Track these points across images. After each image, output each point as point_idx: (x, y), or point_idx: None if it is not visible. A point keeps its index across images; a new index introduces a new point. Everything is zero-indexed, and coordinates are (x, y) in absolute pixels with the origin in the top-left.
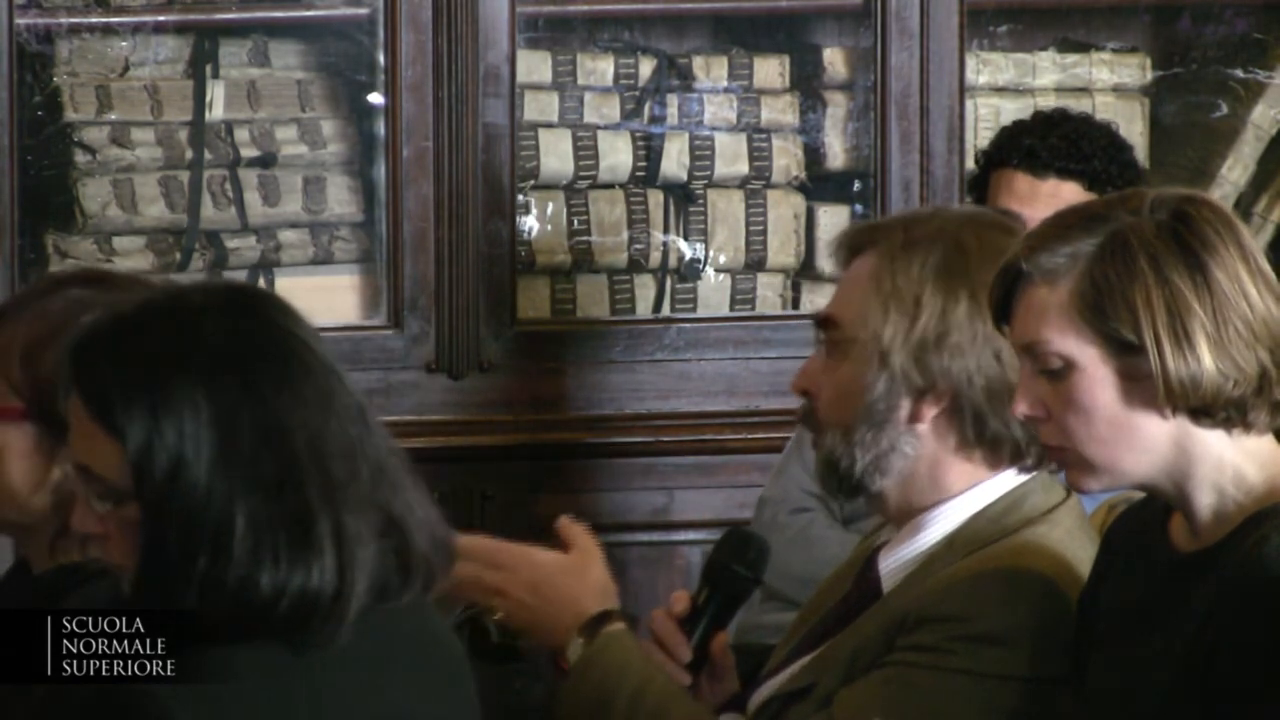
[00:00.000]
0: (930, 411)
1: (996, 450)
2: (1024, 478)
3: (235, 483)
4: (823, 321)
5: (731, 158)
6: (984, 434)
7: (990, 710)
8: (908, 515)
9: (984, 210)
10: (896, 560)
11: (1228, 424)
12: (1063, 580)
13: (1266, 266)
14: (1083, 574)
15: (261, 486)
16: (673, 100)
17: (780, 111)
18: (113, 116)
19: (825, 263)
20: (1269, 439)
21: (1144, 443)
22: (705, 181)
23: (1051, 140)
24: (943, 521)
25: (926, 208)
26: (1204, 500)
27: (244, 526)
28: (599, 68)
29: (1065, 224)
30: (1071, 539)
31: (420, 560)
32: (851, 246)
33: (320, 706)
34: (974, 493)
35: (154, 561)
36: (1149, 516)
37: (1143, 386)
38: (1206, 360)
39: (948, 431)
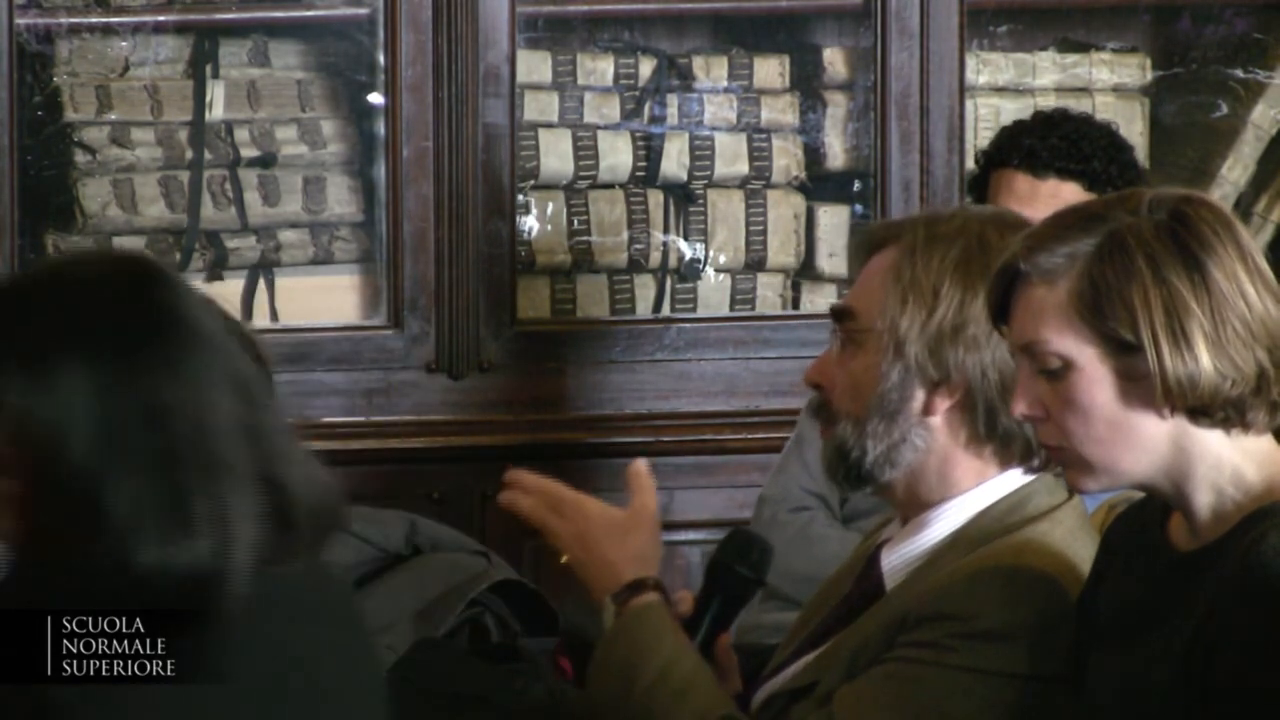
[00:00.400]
0: (943, 404)
1: (1008, 447)
2: (1030, 478)
3: (115, 461)
4: (839, 314)
5: (731, 158)
6: (995, 429)
7: (991, 707)
8: (913, 509)
9: (1007, 211)
10: (900, 558)
11: (1226, 424)
12: (1064, 579)
13: (1265, 266)
14: (1084, 573)
15: (142, 465)
16: (673, 100)
17: (780, 111)
18: (113, 116)
19: (825, 263)
20: (1268, 438)
21: (1142, 442)
22: (705, 181)
23: (1051, 140)
24: (947, 519)
25: (948, 208)
26: (1202, 500)
27: (124, 506)
28: (599, 68)
29: (1063, 224)
30: (1073, 538)
31: (307, 529)
32: (871, 244)
33: (221, 680)
34: (979, 491)
35: (33, 538)
36: (1148, 516)
37: (1141, 386)
38: (1204, 360)
39: (960, 425)
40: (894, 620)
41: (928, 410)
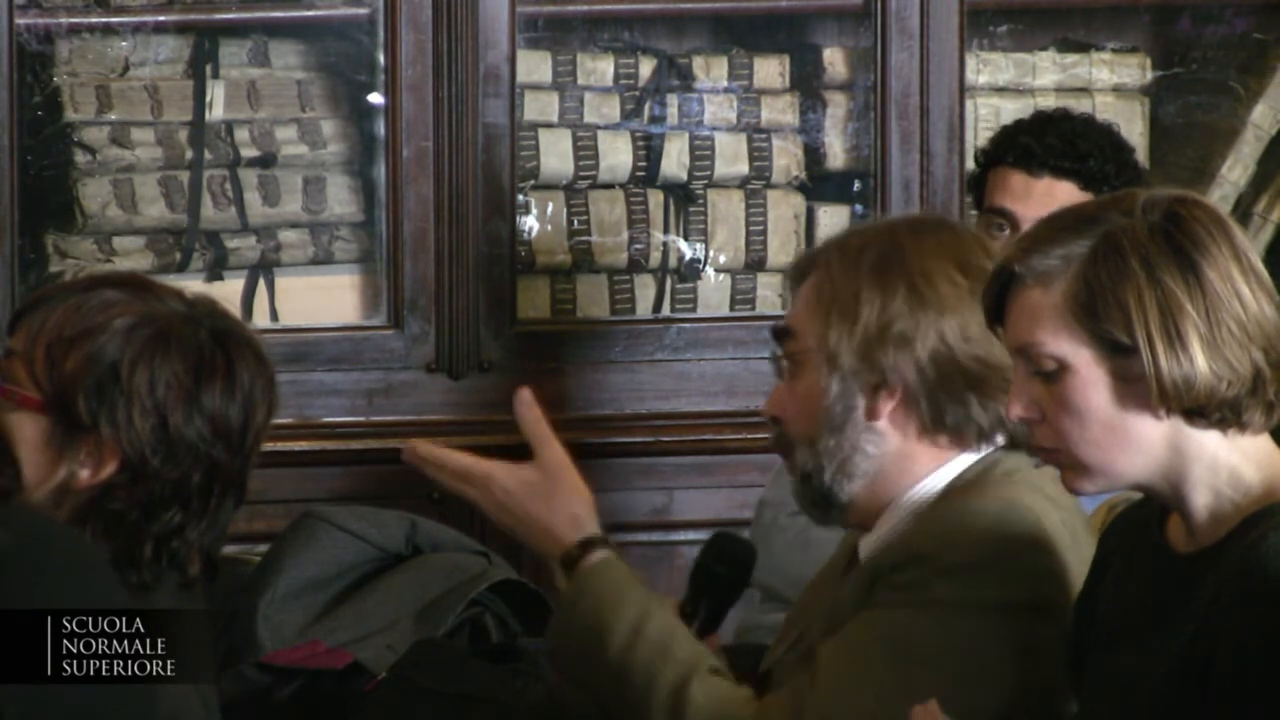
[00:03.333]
0: (887, 405)
1: (961, 434)
2: (991, 449)
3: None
4: (780, 334)
5: (731, 158)
6: (943, 419)
7: (971, 637)
8: (880, 513)
9: (925, 214)
10: (875, 540)
11: (1222, 424)
12: (1029, 513)
13: (1259, 266)
14: (1048, 513)
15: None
16: (673, 100)
17: (780, 111)
18: (113, 116)
19: None
20: (1265, 439)
21: (1138, 444)
22: (705, 181)
23: (1048, 139)
24: (917, 500)
25: (865, 223)
26: (1200, 501)
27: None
28: (599, 68)
29: (1058, 226)
30: (1039, 479)
31: None
32: (799, 273)
33: None
34: (944, 470)
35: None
36: (1146, 517)
37: (1136, 388)
38: (1200, 361)
39: (906, 422)
40: (869, 576)
41: (872, 414)
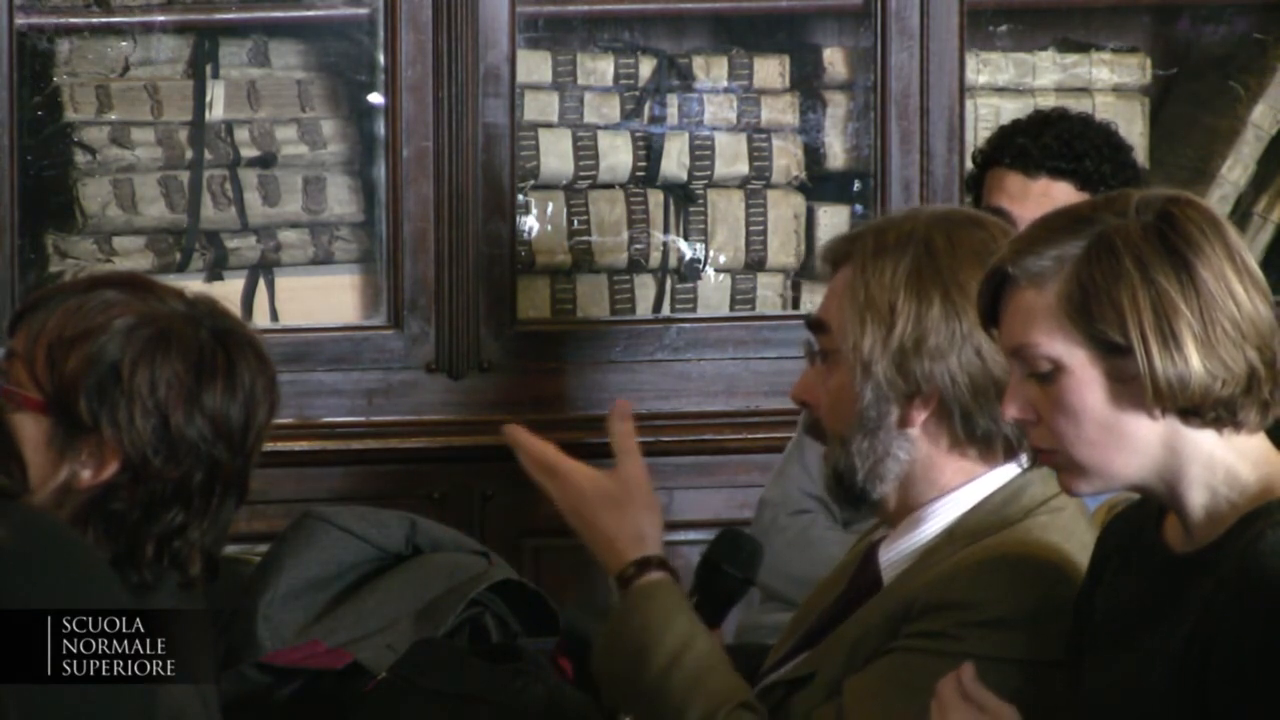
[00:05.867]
0: (919, 415)
1: (989, 446)
2: (1018, 470)
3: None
4: (815, 325)
5: (731, 158)
6: (974, 432)
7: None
8: (906, 513)
9: (955, 209)
10: (897, 553)
11: (1217, 424)
12: (1067, 566)
13: (1253, 265)
14: (1085, 561)
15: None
16: (673, 100)
17: (780, 111)
18: (113, 116)
19: None
20: (1260, 437)
21: (1134, 444)
22: (705, 181)
23: (1045, 140)
24: (942, 515)
25: (902, 211)
26: (1196, 500)
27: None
28: (599, 68)
29: (1051, 227)
30: (1075, 524)
31: None
32: (834, 259)
33: None
34: (973, 486)
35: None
36: (1143, 517)
37: (1131, 388)
38: (1194, 360)
39: (939, 432)
40: (896, 610)
41: (905, 423)
